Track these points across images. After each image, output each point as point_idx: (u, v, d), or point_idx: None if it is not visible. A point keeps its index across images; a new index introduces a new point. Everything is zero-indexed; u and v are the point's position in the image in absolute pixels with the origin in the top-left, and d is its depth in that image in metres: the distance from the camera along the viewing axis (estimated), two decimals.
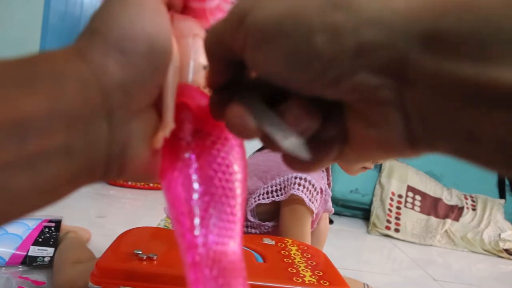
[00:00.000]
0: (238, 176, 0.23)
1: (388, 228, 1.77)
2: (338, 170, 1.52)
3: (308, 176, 0.83)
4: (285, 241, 0.69)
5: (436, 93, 0.14)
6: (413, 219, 1.80)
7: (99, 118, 0.18)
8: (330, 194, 0.95)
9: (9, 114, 0.15)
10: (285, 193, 0.83)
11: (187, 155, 0.22)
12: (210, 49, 0.20)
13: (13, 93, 0.15)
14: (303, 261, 0.61)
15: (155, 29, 0.19)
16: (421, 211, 1.84)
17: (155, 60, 0.19)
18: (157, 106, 0.21)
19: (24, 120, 0.15)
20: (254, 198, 0.86)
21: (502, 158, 0.14)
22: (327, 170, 0.94)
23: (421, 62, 0.14)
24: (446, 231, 1.78)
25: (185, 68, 0.23)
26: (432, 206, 1.86)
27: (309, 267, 0.58)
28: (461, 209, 1.87)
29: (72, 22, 1.72)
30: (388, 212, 1.81)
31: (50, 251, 0.86)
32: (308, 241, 0.83)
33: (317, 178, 0.85)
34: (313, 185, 0.83)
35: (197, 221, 0.21)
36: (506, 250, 1.73)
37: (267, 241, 0.68)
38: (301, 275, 0.55)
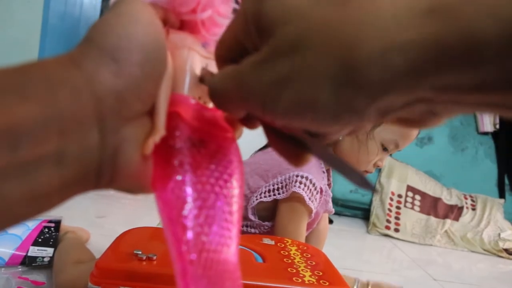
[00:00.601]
0: (234, 183, 0.23)
1: (388, 228, 1.77)
2: None
3: (310, 175, 0.83)
4: (285, 241, 0.69)
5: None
6: (412, 219, 1.80)
7: (92, 125, 0.18)
8: (331, 194, 0.95)
9: (1, 120, 0.15)
10: (287, 191, 0.84)
11: (177, 162, 0.22)
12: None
13: (6, 100, 0.15)
14: (302, 261, 0.60)
15: (149, 38, 0.20)
16: (421, 211, 1.84)
17: (149, 68, 0.20)
18: (151, 114, 0.21)
19: (16, 126, 0.15)
20: (256, 196, 0.87)
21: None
22: (327, 170, 0.94)
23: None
24: (446, 231, 1.78)
25: (180, 79, 0.23)
26: (432, 206, 1.86)
27: (309, 267, 0.58)
28: (460, 208, 1.87)
29: (72, 22, 1.72)
30: (388, 212, 1.81)
31: (49, 251, 0.86)
32: (302, 239, 0.83)
33: (318, 178, 0.86)
34: (313, 184, 0.83)
35: (188, 228, 0.21)
36: (506, 250, 1.73)
37: (267, 241, 0.68)
38: (301, 275, 0.55)
